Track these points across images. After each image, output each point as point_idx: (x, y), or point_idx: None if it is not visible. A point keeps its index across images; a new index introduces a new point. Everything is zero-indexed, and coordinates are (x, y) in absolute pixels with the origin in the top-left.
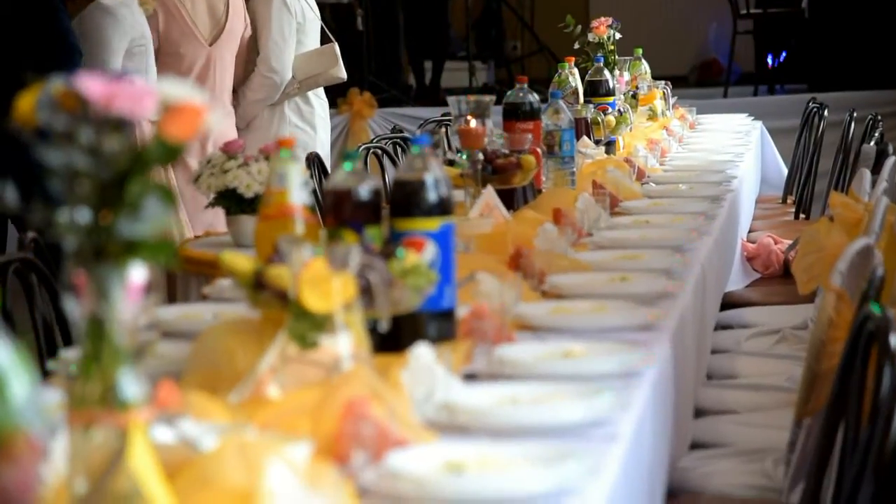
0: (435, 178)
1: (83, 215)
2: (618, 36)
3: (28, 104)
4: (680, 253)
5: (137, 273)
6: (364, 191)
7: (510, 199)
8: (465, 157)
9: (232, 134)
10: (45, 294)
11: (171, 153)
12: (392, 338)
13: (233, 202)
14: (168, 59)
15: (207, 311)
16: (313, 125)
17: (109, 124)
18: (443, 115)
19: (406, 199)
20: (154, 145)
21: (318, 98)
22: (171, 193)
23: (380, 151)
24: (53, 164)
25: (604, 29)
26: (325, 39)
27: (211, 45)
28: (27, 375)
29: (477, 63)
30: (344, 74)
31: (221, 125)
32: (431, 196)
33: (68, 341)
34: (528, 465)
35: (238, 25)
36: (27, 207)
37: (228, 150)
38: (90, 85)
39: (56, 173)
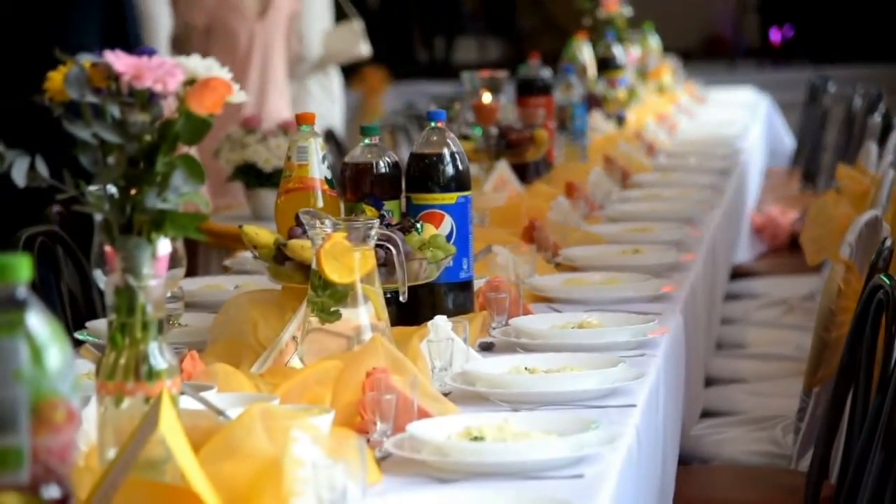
0: (452, 152)
1: (113, 189)
2: (628, 12)
3: (58, 80)
4: (690, 225)
5: (164, 245)
6: (383, 165)
7: (523, 173)
8: (478, 131)
9: (286, 113)
10: (71, 266)
11: (198, 128)
12: (411, 309)
13: (251, 176)
14: (216, 35)
15: (229, 283)
16: (334, 97)
17: (138, 99)
18: (455, 91)
19: (423, 174)
20: (181, 120)
21: (335, 70)
22: (200, 168)
23: (394, 126)
24: (83, 139)
25: (614, 5)
26: (342, 15)
27: (258, 20)
28: (62, 345)
29: (487, 38)
30: (366, 51)
31: (276, 105)
32: (449, 170)
33: (92, 313)
34: (545, 433)
35: (286, 1)
36: (58, 181)
37: (247, 125)
38: (119, 60)
39: (86, 147)
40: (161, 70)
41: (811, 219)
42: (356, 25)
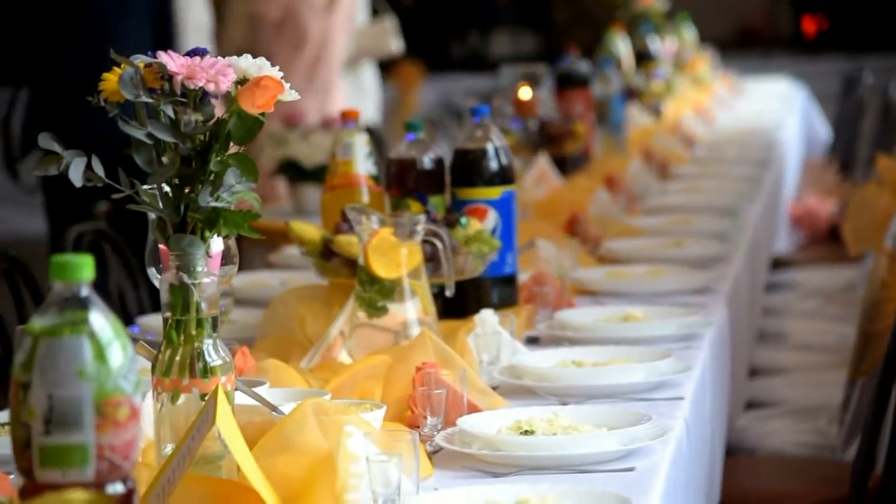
0: (496, 147)
1: (167, 188)
2: (664, 4)
3: (113, 81)
4: (731, 216)
5: (217, 243)
6: (427, 160)
7: (563, 166)
8: (517, 125)
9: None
10: (118, 263)
11: (250, 127)
12: (457, 303)
13: (293, 172)
14: (287, 29)
15: (274, 279)
16: (365, 93)
17: (191, 99)
18: (493, 84)
19: (468, 169)
20: (233, 119)
21: (368, 65)
22: (254, 165)
23: (430, 121)
24: (138, 138)
25: None
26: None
27: (326, 14)
28: (124, 343)
29: (521, 31)
30: (397, 48)
31: (340, 101)
32: (492, 165)
33: (140, 309)
34: (595, 427)
35: None
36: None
37: (290, 122)
38: (172, 61)
39: (141, 147)
40: (213, 70)
41: (852, 210)
42: (387, 22)
